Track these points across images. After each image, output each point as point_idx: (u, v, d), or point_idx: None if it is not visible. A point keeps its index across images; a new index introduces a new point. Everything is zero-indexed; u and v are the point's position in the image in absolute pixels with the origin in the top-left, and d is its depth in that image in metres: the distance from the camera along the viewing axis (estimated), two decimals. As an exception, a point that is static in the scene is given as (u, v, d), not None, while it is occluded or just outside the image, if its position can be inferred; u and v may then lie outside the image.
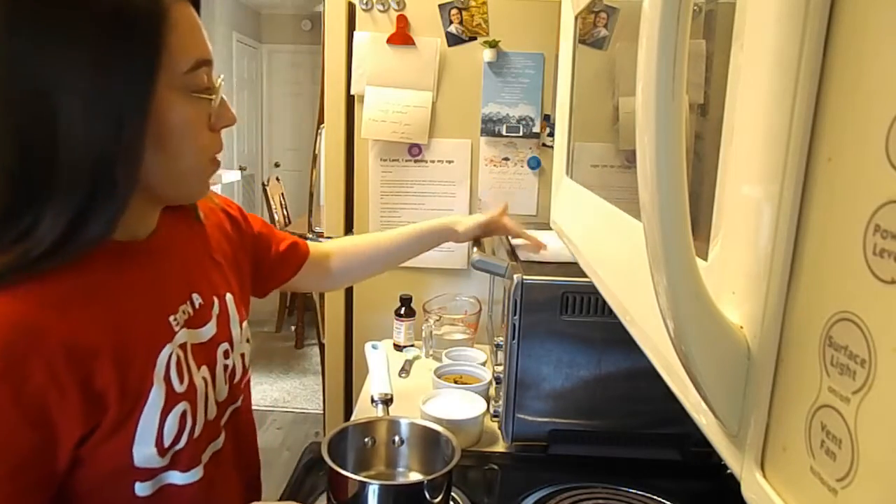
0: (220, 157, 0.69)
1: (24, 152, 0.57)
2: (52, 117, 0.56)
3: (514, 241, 1.28)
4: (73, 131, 0.56)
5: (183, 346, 0.69)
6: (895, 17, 0.24)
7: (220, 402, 0.76)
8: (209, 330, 0.75)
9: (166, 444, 0.66)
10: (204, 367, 0.73)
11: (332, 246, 1.15)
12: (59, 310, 0.58)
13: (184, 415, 0.68)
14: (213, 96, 0.65)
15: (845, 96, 0.27)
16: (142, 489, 0.66)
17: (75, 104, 0.56)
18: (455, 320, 1.63)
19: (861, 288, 0.25)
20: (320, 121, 1.90)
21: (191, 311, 0.72)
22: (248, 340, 0.85)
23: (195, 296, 0.74)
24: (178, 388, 0.67)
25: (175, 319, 0.69)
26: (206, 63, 0.63)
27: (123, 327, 0.63)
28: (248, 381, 0.87)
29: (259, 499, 0.90)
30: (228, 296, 0.81)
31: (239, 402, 0.82)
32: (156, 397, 0.64)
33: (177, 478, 0.69)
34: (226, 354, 0.77)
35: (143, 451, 0.64)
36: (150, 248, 0.70)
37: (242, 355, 0.82)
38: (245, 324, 0.84)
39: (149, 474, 0.66)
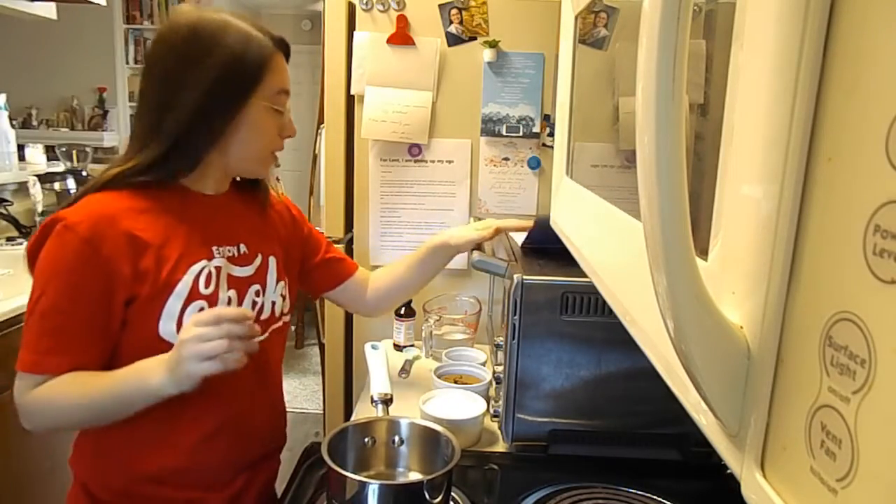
0: (278, 154, 1.04)
1: (153, 112, 0.92)
2: (178, 97, 0.90)
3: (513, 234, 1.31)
4: (186, 107, 0.90)
5: (218, 269, 0.96)
6: (895, 17, 0.24)
7: None
8: (248, 270, 1.02)
9: (185, 325, 0.89)
10: (233, 291, 0.98)
11: (371, 275, 1.33)
12: (132, 213, 0.90)
13: (201, 310, 0.92)
14: (285, 114, 0.99)
15: (845, 96, 0.27)
16: None
17: (197, 94, 0.90)
18: (455, 320, 1.63)
19: (861, 288, 0.25)
20: (320, 121, 1.90)
21: (235, 252, 1.00)
22: (283, 297, 1.07)
23: (241, 245, 1.02)
24: (203, 290, 0.93)
25: (218, 250, 0.98)
26: (286, 92, 0.99)
27: (170, 238, 0.92)
28: (280, 328, 1.08)
29: (282, 436, 1.16)
30: (272, 258, 1.06)
31: (264, 337, 1.02)
32: (181, 289, 0.91)
33: None
34: (257, 293, 1.02)
35: (167, 327, 0.90)
36: (210, 202, 1.00)
37: (273, 303, 1.05)
38: (282, 283, 1.07)
39: (172, 347, 0.86)
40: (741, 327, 0.34)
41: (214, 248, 0.97)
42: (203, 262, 0.94)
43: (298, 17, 5.96)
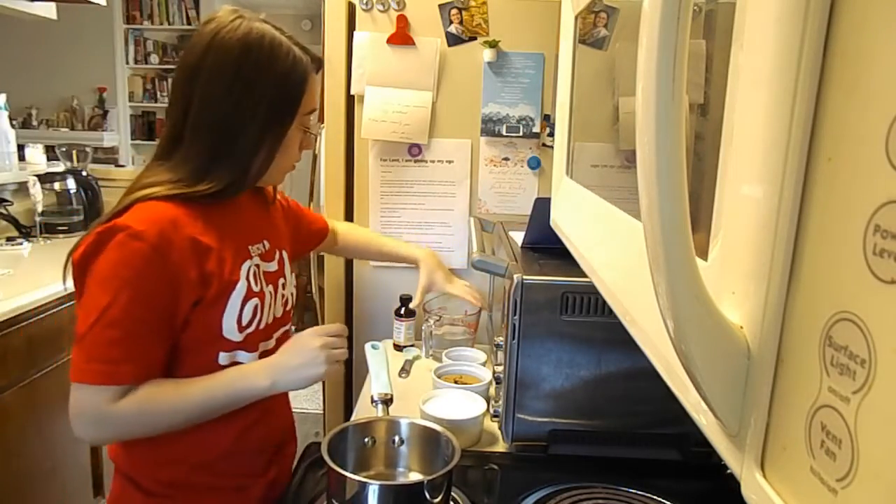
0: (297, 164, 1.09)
1: (214, 134, 0.94)
2: (242, 120, 0.94)
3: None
4: (253, 132, 0.94)
5: (257, 266, 1.02)
6: (895, 17, 0.24)
7: (277, 317, 1.07)
8: (273, 265, 1.08)
9: (244, 322, 0.97)
10: (270, 286, 1.04)
11: (340, 229, 1.49)
12: (188, 218, 0.92)
13: (256, 307, 1.00)
14: (311, 130, 1.04)
15: (845, 96, 0.27)
16: (223, 359, 0.98)
17: (259, 118, 0.94)
18: (455, 320, 1.63)
19: (861, 288, 0.25)
20: (320, 121, 1.90)
21: (263, 249, 1.06)
22: (294, 285, 1.16)
23: (265, 241, 1.08)
24: (255, 287, 1.00)
25: (252, 248, 1.03)
26: (315, 111, 1.03)
27: (224, 241, 0.97)
28: (291, 309, 1.16)
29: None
30: (283, 251, 1.13)
31: (288, 326, 1.13)
32: (241, 288, 0.97)
33: (244, 357, 1.00)
34: (283, 286, 1.09)
35: (229, 324, 0.96)
36: (236, 203, 1.03)
37: (292, 294, 1.14)
38: (293, 274, 1.16)
39: (230, 346, 0.97)
40: (741, 327, 0.34)
41: (251, 247, 1.02)
42: (249, 261, 1.00)
43: (298, 17, 5.96)
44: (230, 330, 0.96)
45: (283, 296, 1.09)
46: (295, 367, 0.96)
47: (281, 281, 1.09)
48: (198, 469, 0.99)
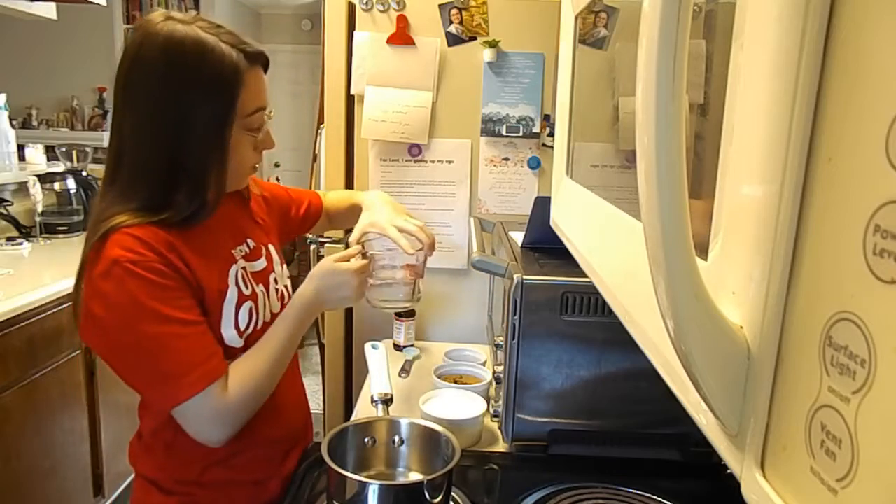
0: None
1: (161, 150, 0.90)
2: (182, 133, 0.89)
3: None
4: (196, 145, 0.90)
5: (244, 269, 1.02)
6: (895, 17, 0.24)
7: (274, 313, 1.06)
8: (261, 263, 1.07)
9: (241, 328, 0.98)
10: (261, 285, 1.04)
11: (327, 204, 1.39)
12: (172, 237, 0.90)
13: (251, 310, 1.00)
14: (261, 131, 0.97)
15: (845, 96, 0.27)
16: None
17: (200, 127, 0.89)
18: (393, 265, 1.19)
19: (861, 288, 0.25)
20: (320, 121, 1.90)
21: (247, 249, 1.05)
22: (288, 277, 1.15)
23: (249, 240, 1.06)
24: (245, 291, 1.00)
25: (236, 251, 1.02)
26: (262, 109, 0.96)
27: (207, 252, 0.96)
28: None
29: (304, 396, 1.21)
30: (270, 245, 1.13)
31: None
32: (232, 295, 0.97)
33: None
34: (276, 281, 1.09)
35: (229, 333, 0.97)
36: (219, 212, 0.98)
37: (286, 286, 1.13)
38: (285, 266, 1.15)
39: (235, 352, 0.97)
40: (741, 327, 0.34)
41: (234, 251, 1.01)
42: (234, 266, 0.99)
43: (298, 17, 5.96)
44: (231, 338, 0.97)
45: (277, 290, 1.09)
46: (331, 287, 1.02)
47: (272, 277, 1.08)
48: (213, 466, 1.00)
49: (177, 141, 0.89)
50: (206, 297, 0.94)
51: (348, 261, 1.05)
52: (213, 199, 0.94)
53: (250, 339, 1.00)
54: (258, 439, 1.02)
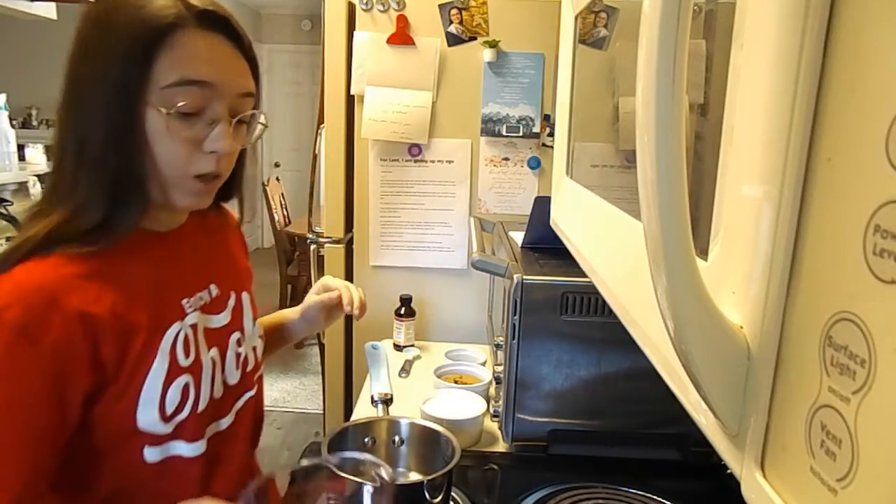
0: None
1: (67, 136, 0.70)
2: (82, 121, 0.68)
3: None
4: (91, 118, 0.68)
5: (194, 327, 0.77)
6: (895, 17, 0.24)
7: (232, 385, 0.83)
8: (223, 318, 0.83)
9: (168, 411, 0.73)
10: (214, 349, 0.80)
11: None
12: (77, 281, 0.67)
13: (186, 387, 0.75)
14: (200, 118, 0.70)
15: (845, 96, 0.27)
16: (151, 454, 0.74)
17: (94, 114, 0.68)
18: None
19: (861, 288, 0.25)
20: (320, 121, 1.90)
21: (207, 298, 0.81)
22: (260, 336, 0.92)
23: (213, 286, 0.83)
24: (183, 361, 0.75)
25: (188, 302, 0.78)
26: (194, 83, 0.68)
27: (132, 304, 0.71)
28: (261, 375, 0.93)
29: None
30: (245, 294, 0.89)
31: (254, 391, 0.89)
32: (159, 367, 0.72)
33: (183, 448, 0.76)
34: (238, 343, 0.85)
35: (147, 416, 0.72)
36: (168, 241, 0.79)
37: (255, 348, 0.89)
38: (257, 322, 0.91)
39: (156, 440, 0.73)
40: (741, 327, 0.34)
41: (185, 302, 0.77)
42: (177, 326, 0.75)
43: (298, 17, 5.96)
44: (150, 422, 0.72)
45: (239, 355, 0.84)
46: None
47: (234, 337, 0.84)
48: None
49: (80, 120, 0.68)
50: (114, 371, 0.69)
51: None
52: (131, 204, 0.70)
53: (183, 426, 0.75)
54: None
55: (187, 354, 0.75)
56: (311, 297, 1.02)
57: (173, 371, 0.73)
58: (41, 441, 0.66)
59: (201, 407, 0.77)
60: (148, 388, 0.71)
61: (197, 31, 0.68)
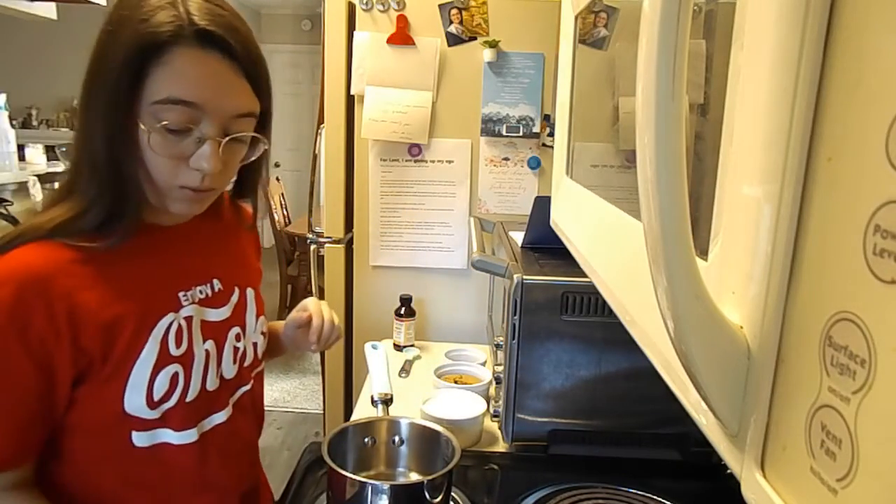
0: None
1: (80, 131, 0.73)
2: (86, 127, 0.72)
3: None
4: (94, 131, 0.71)
5: (188, 319, 0.79)
6: (895, 17, 0.24)
7: (229, 379, 0.85)
8: (223, 312, 0.85)
9: (156, 398, 0.76)
10: (210, 342, 0.82)
11: None
12: (72, 266, 0.70)
13: (175, 375, 0.77)
14: (187, 136, 0.71)
15: (845, 96, 0.27)
16: (139, 439, 0.76)
17: (97, 118, 0.70)
18: None
19: (861, 288, 0.25)
20: (320, 121, 1.90)
21: (209, 292, 0.83)
22: (262, 334, 0.93)
23: (216, 281, 0.85)
24: (174, 351, 0.77)
25: (185, 296, 0.80)
26: (181, 102, 0.69)
27: (125, 292, 0.74)
28: (261, 371, 0.96)
29: (250, 482, 0.95)
30: (250, 290, 0.91)
31: (250, 386, 0.91)
32: (148, 355, 0.74)
33: (171, 436, 0.78)
34: (237, 338, 0.87)
35: (134, 401, 0.74)
36: (172, 234, 0.81)
37: (255, 344, 0.91)
38: (262, 318, 0.93)
39: (143, 425, 0.76)
40: (741, 327, 0.34)
41: (182, 295, 0.79)
42: (170, 317, 0.77)
43: (298, 17, 5.96)
44: (137, 407, 0.74)
45: (236, 349, 0.86)
46: None
47: (233, 332, 0.85)
48: None
49: (86, 122, 0.72)
50: (102, 356, 0.72)
51: None
52: (130, 207, 0.73)
53: (172, 414, 0.77)
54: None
55: (179, 344, 0.78)
56: (290, 315, 1.02)
57: (163, 359, 0.75)
58: (28, 421, 0.71)
59: (190, 396, 0.79)
60: (136, 373, 0.74)
61: (193, 50, 0.68)
